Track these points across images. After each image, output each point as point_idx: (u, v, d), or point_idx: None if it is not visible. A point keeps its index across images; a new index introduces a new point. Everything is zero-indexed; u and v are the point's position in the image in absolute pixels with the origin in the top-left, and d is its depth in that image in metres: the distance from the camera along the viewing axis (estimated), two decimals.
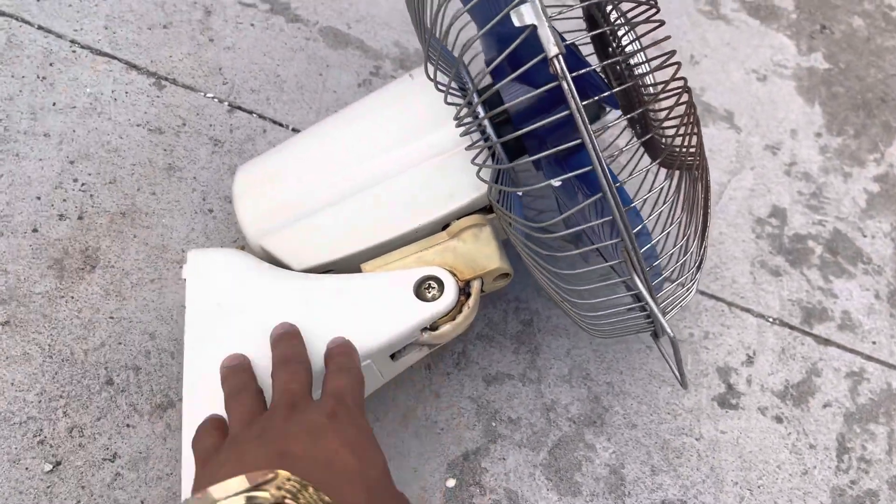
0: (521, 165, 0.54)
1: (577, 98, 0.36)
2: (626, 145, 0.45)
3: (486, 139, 0.48)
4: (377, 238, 0.50)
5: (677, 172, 0.51)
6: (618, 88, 0.46)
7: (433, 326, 0.48)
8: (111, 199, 0.60)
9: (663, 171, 0.62)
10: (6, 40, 0.65)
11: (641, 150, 0.56)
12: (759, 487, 0.58)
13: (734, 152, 0.77)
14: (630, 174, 0.48)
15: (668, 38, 0.43)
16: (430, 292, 0.48)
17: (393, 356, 0.49)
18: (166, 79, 0.67)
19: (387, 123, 0.51)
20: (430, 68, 0.44)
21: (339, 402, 0.39)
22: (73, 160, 0.61)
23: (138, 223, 0.60)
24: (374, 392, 0.56)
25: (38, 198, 0.59)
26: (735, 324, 0.66)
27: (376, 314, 0.47)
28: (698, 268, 0.50)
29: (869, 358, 0.65)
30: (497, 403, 0.58)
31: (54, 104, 0.63)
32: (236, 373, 0.43)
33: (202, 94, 0.67)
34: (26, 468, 0.49)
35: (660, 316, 0.40)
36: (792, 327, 0.66)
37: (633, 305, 0.43)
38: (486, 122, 0.48)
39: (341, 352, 0.44)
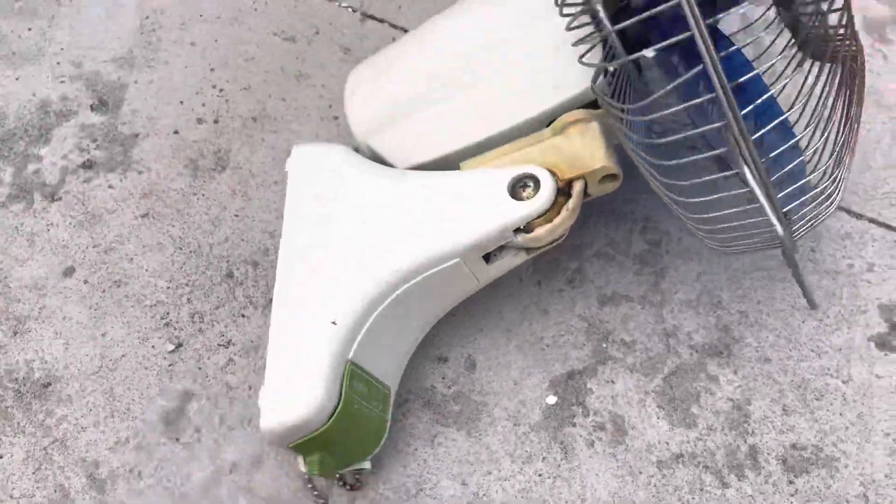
0: (645, 68, 0.49)
1: None
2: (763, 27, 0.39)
3: (599, 27, 0.44)
4: (479, 135, 0.48)
5: (828, 66, 0.43)
6: None
7: (527, 228, 0.45)
8: (244, 105, 0.63)
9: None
10: None
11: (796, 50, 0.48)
12: None
13: None
14: (771, 65, 0.42)
15: None
16: (525, 191, 0.45)
17: (487, 259, 0.47)
18: None
19: (491, 16, 0.48)
20: None
21: None
22: (214, 68, 0.64)
23: (267, 128, 0.62)
24: (479, 304, 0.54)
25: (181, 102, 0.63)
26: None
27: (467, 211, 0.45)
28: (837, 174, 0.42)
29: None
30: (610, 325, 0.54)
31: (201, 15, 0.67)
32: None
33: (336, 3, 0.67)
34: (152, 346, 0.53)
35: (768, 208, 0.34)
36: None
37: (747, 207, 0.37)
38: (598, 7, 0.43)
39: None
